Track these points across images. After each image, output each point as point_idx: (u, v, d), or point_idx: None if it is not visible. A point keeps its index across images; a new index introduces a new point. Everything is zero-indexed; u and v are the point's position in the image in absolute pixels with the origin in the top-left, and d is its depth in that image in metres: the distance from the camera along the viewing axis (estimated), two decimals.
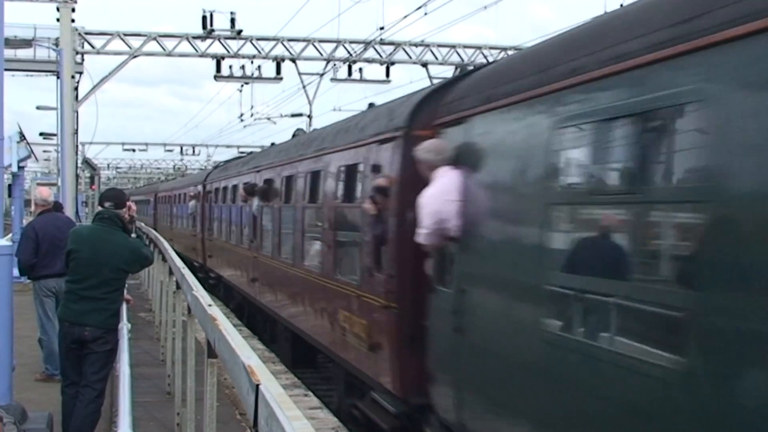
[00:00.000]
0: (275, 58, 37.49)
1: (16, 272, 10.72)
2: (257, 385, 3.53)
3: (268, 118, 56.54)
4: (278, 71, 37.90)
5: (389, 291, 9.06)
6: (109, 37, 35.39)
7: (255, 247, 18.44)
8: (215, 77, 37.61)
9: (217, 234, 25.50)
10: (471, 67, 12.27)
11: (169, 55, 36.34)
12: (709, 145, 4.39)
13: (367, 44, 38.16)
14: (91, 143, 64.53)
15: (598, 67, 5.45)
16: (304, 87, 40.77)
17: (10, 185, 24.59)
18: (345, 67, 38.98)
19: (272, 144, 25.80)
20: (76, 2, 33.13)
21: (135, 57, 35.60)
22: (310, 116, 45.71)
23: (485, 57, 39.93)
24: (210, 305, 6.33)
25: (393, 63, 39.01)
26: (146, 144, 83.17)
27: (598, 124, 5.51)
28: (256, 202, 18.24)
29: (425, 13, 29.76)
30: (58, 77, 31.32)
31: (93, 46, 35.24)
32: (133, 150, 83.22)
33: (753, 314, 4.02)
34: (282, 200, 15.91)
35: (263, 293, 17.47)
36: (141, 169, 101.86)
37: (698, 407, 4.34)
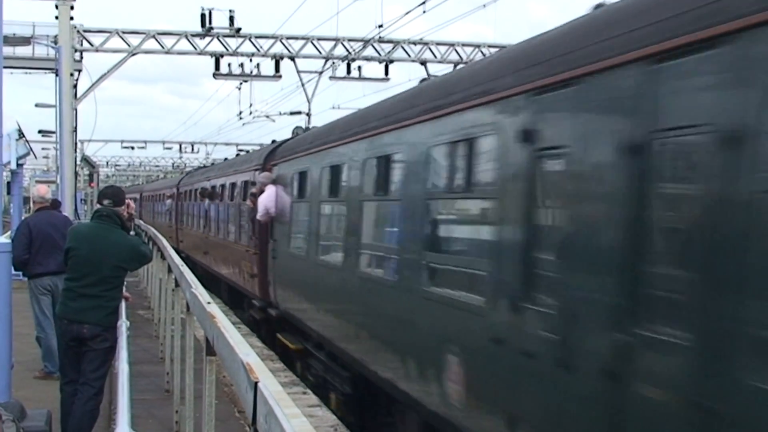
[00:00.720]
0: (274, 56, 37.47)
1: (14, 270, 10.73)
2: (256, 383, 3.53)
3: (267, 116, 56.53)
4: (277, 69, 37.87)
5: (255, 245, 18.16)
6: (107, 34, 35.35)
7: (206, 231, 27.75)
8: (214, 75, 37.59)
9: (186, 224, 34.28)
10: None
11: (168, 52, 36.31)
12: (495, 159, 7.00)
13: (366, 42, 38.15)
14: (90, 141, 64.65)
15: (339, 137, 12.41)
16: (303, 85, 40.75)
17: (8, 183, 24.62)
18: (344, 66, 38.96)
19: (225, 159, 35.32)
20: (74, 0, 33.11)
21: (134, 55, 35.58)
22: (309, 114, 45.67)
23: (483, 55, 39.95)
24: (209, 303, 6.34)
25: (392, 61, 39.00)
26: (145, 142, 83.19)
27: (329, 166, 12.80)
28: (207, 201, 27.47)
29: (424, 11, 29.74)
30: (56, 75, 31.28)
31: (92, 44, 35.21)
32: (132, 147, 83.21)
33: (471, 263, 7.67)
34: (217, 199, 25.65)
35: (210, 261, 26.20)
36: (140, 167, 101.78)
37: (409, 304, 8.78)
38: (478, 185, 7.51)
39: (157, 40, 35.82)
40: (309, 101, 43.24)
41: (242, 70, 38.12)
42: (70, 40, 32.26)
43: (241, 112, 51.84)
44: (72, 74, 32.72)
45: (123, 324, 8.43)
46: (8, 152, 20.61)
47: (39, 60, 35.06)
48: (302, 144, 15.38)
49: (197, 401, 7.32)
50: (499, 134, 6.87)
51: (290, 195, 15.20)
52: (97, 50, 35.33)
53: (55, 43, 31.93)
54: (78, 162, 44.12)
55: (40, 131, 49.97)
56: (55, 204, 13.52)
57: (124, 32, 35.42)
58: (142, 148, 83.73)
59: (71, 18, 32.54)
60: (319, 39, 38.06)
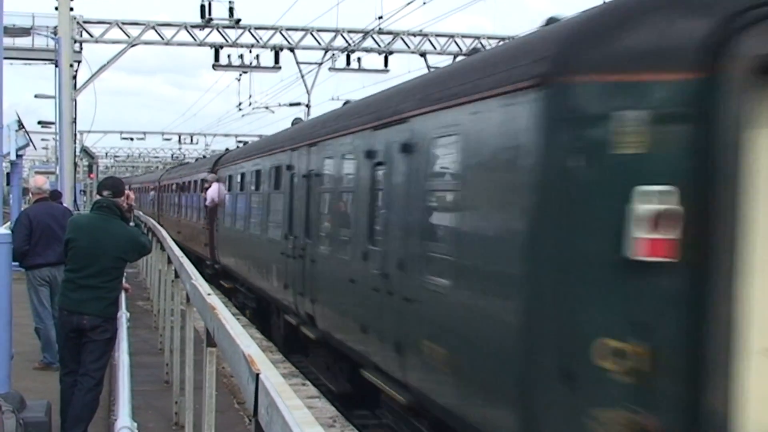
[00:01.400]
0: (274, 48, 37.42)
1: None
2: (257, 374, 3.53)
3: (267, 108, 56.50)
4: (276, 60, 37.82)
5: (206, 224, 25.43)
6: (107, 25, 35.31)
7: (179, 215, 35.07)
8: (214, 66, 37.55)
9: (166, 212, 40.80)
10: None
11: (168, 44, 36.27)
12: (354, 167, 11.06)
13: (365, 34, 38.10)
14: (89, 132, 64.53)
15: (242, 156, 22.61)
16: (302, 76, 40.75)
17: (8, 174, 24.61)
18: (343, 57, 38.93)
19: (203, 156, 47.84)
20: None
21: (133, 46, 35.54)
22: (308, 105, 45.69)
23: (483, 46, 39.91)
24: (209, 294, 6.33)
25: (391, 52, 38.96)
26: (144, 133, 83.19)
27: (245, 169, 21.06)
28: (179, 193, 34.79)
29: (424, 2, 29.70)
30: (56, 66, 31.24)
31: (91, 35, 35.17)
32: (131, 139, 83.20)
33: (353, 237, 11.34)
34: (186, 192, 33.15)
35: (182, 238, 29.65)
36: (139, 158, 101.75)
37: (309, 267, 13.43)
38: (343, 183, 11.96)
39: (156, 31, 35.77)
40: (308, 92, 43.26)
41: (242, 61, 38.08)
42: (69, 31, 32.20)
43: (240, 104, 51.85)
44: (71, 65, 32.66)
45: (123, 315, 8.42)
46: (8, 143, 20.60)
47: (38, 51, 35.03)
48: (231, 157, 25.11)
49: (197, 392, 7.32)
50: (356, 153, 11.09)
51: (226, 189, 23.46)
52: (96, 41, 35.30)
53: (55, 34, 31.88)
54: (77, 153, 44.08)
55: (39, 122, 49.93)
56: (55, 195, 13.51)
57: (123, 23, 35.37)
58: (141, 139, 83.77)
59: (71, 9, 32.46)
60: (318, 30, 38.00)
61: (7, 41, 30.62)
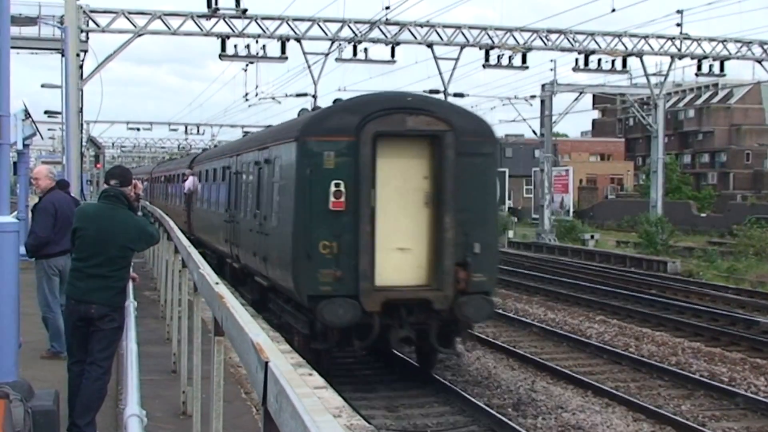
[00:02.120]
0: (280, 38, 37.41)
1: (21, 250, 10.72)
2: (266, 363, 3.53)
3: (273, 98, 56.48)
4: (283, 51, 37.81)
5: (185, 207, 33.02)
6: (114, 15, 35.34)
7: (166, 202, 41.66)
8: (220, 56, 37.54)
9: (156, 198, 47.22)
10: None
11: (174, 33, 36.28)
12: (253, 181, 20.08)
13: (372, 24, 38.05)
14: (95, 122, 64.57)
15: (221, 153, 28.84)
16: (309, 67, 40.68)
17: (15, 163, 24.61)
18: (350, 47, 38.91)
19: (202, 150, 53.61)
20: None
21: (140, 35, 35.54)
22: (315, 96, 45.56)
23: (490, 38, 39.84)
24: (217, 283, 6.32)
25: (398, 43, 38.94)
26: (151, 123, 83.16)
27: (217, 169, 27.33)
28: (167, 183, 42.55)
29: None
30: (63, 55, 31.23)
31: (98, 24, 35.19)
32: (138, 129, 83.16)
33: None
34: (172, 182, 41.10)
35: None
36: (145, 148, 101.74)
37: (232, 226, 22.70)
38: (246, 178, 20.76)
39: (163, 20, 35.78)
40: (315, 83, 43.14)
41: (248, 51, 38.07)
42: (76, 21, 32.18)
43: (247, 94, 51.95)
44: (78, 55, 32.65)
45: (130, 304, 8.42)
46: (14, 132, 20.59)
47: (45, 40, 34.99)
48: (202, 158, 33.90)
49: (204, 382, 7.32)
50: (251, 162, 20.24)
51: (199, 181, 31.02)
52: (103, 31, 35.31)
53: (62, 23, 31.85)
54: (84, 143, 44.11)
55: (46, 112, 49.91)
56: (63, 185, 13.52)
57: (130, 13, 35.38)
58: (148, 129, 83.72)
59: None
60: (325, 21, 37.97)
61: (14, 31, 30.58)
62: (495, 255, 16.51)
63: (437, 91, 43.89)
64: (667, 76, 47.59)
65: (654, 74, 47.71)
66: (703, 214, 69.53)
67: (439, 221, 14.65)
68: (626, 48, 41.70)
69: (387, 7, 36.73)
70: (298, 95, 52.11)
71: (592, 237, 51.34)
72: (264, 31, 37.10)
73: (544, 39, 40.41)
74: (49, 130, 58.23)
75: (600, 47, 41.22)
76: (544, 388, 15.71)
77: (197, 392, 7.92)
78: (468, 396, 14.88)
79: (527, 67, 41.35)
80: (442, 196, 14.64)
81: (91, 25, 35.02)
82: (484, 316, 15.47)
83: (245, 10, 35.89)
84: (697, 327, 22.27)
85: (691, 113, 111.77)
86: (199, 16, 35.95)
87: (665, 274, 35.42)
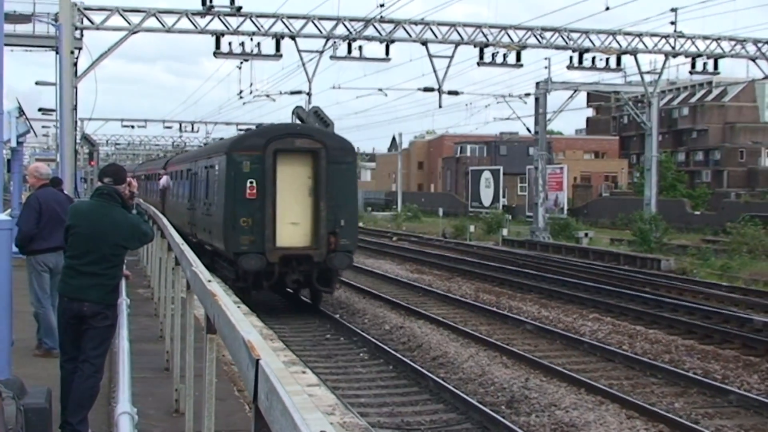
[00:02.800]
0: (275, 35, 37.36)
1: (15, 248, 10.72)
2: (257, 360, 3.53)
3: (268, 96, 56.39)
4: (278, 48, 37.75)
5: (161, 200, 40.10)
6: (108, 12, 35.25)
7: (147, 197, 45.35)
8: (215, 54, 37.48)
9: (138, 195, 57.71)
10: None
11: (169, 31, 36.23)
12: (204, 180, 28.34)
13: (367, 22, 38.03)
14: (90, 119, 64.45)
15: (189, 159, 36.32)
16: (303, 64, 40.63)
17: (9, 160, 24.59)
18: (345, 45, 38.84)
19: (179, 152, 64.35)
20: None
21: (134, 33, 35.49)
22: (309, 94, 45.48)
23: (485, 36, 39.83)
24: (209, 281, 6.33)
25: (393, 41, 38.90)
26: (145, 120, 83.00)
27: (186, 171, 34.63)
28: (147, 181, 47.65)
29: None
30: (57, 53, 31.20)
31: (92, 22, 35.13)
32: (132, 126, 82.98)
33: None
34: (152, 180, 48.96)
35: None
36: (140, 146, 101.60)
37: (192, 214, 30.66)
38: (200, 178, 28.82)
39: (157, 18, 35.71)
40: (310, 81, 43.07)
41: (243, 49, 37.98)
42: (70, 18, 32.18)
43: (241, 92, 51.78)
44: (72, 52, 32.64)
45: (123, 302, 8.42)
46: (8, 130, 20.58)
47: (39, 38, 34.87)
48: (172, 161, 42.26)
49: (197, 379, 7.33)
50: (203, 166, 28.43)
51: (171, 180, 37.74)
52: (97, 28, 35.26)
53: (56, 20, 31.83)
54: (78, 140, 44.09)
55: (40, 109, 49.86)
56: (56, 182, 13.52)
57: (124, 10, 35.31)
58: (142, 127, 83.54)
59: None
60: (320, 18, 37.93)
61: (8, 28, 30.53)
62: (354, 227, 24.28)
63: (432, 89, 43.94)
64: (661, 74, 47.66)
65: (648, 72, 47.78)
66: (697, 212, 69.58)
67: (317, 205, 22.96)
68: (620, 46, 41.71)
69: (381, 5, 36.72)
70: (292, 93, 52.08)
71: (586, 235, 51.37)
72: (259, 29, 37.05)
73: (538, 37, 40.42)
74: (43, 127, 58.31)
75: (594, 45, 41.23)
76: (537, 386, 15.73)
77: (190, 390, 7.92)
78: (461, 393, 14.91)
79: (522, 65, 41.33)
80: (319, 190, 22.95)
81: (86, 22, 34.95)
82: (346, 266, 24.30)
83: (240, 8, 35.85)
84: (690, 325, 22.31)
85: (686, 111, 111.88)
86: (193, 14, 35.90)
87: (659, 272, 35.48)
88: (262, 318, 18.34)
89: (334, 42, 38.68)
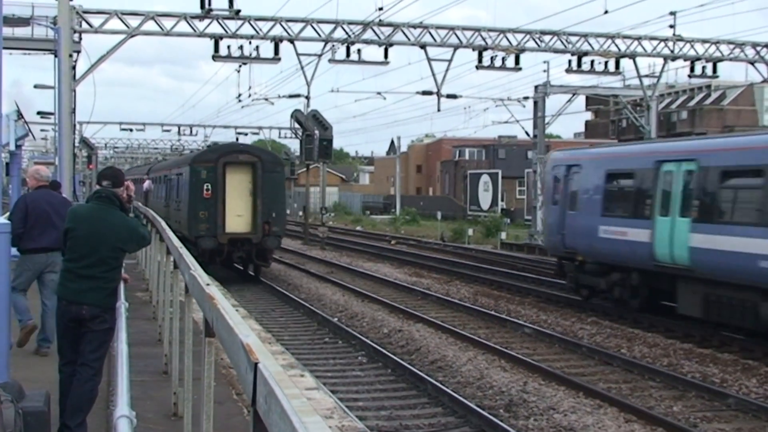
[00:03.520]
0: (273, 39, 37.39)
1: (14, 251, 10.73)
2: (256, 364, 3.53)
3: (266, 99, 56.49)
4: (276, 52, 37.79)
5: (145, 201, 38.31)
6: (107, 15, 35.29)
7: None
8: (213, 57, 37.52)
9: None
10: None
11: (167, 34, 36.25)
12: (175, 184, 37.60)
13: (365, 25, 38.06)
14: (88, 122, 64.50)
15: (166, 167, 46.74)
16: (302, 68, 40.72)
17: (7, 164, 24.61)
18: (343, 48, 38.90)
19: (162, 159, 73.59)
20: None
21: (132, 36, 35.51)
22: (308, 97, 45.59)
23: (483, 39, 39.86)
24: (208, 284, 6.33)
25: (391, 44, 38.94)
26: (144, 124, 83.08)
27: (170, 175, 41.87)
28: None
29: None
30: (55, 56, 31.20)
31: (91, 25, 35.15)
32: (131, 130, 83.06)
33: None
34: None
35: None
36: (138, 149, 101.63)
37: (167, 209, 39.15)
38: (174, 182, 37.75)
39: (156, 21, 35.74)
40: (308, 84, 43.21)
41: (242, 52, 38.04)
42: (69, 21, 32.18)
43: (240, 95, 51.88)
44: (71, 55, 32.64)
45: (122, 305, 8.41)
46: (7, 133, 20.59)
47: (38, 41, 34.91)
48: (154, 168, 53.02)
49: (195, 383, 7.32)
50: (176, 173, 37.23)
51: (152, 183, 42.33)
52: (96, 31, 35.27)
53: (55, 24, 31.83)
54: (76, 144, 44.11)
55: (38, 112, 49.85)
56: (55, 185, 13.52)
57: (123, 13, 35.34)
58: (141, 130, 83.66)
59: None
60: (318, 22, 37.96)
61: (7, 31, 30.55)
62: (283, 218, 33.75)
63: (430, 93, 43.97)
64: (660, 77, 47.66)
65: (647, 76, 47.77)
66: None
67: (255, 202, 31.20)
68: (619, 49, 41.75)
69: (380, 8, 36.78)
70: (291, 96, 52.22)
71: None
72: (257, 32, 37.09)
73: (537, 40, 40.45)
74: (41, 130, 58.28)
75: (593, 49, 41.27)
76: (536, 389, 15.73)
77: (188, 393, 7.92)
78: (460, 397, 14.90)
79: (520, 69, 41.38)
80: (256, 191, 31.21)
81: (84, 25, 34.98)
82: (276, 246, 32.56)
83: (238, 11, 35.88)
84: (689, 328, 22.31)
85: (684, 115, 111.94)
86: (192, 17, 35.93)
87: None
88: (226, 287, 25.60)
89: (333, 45, 38.73)
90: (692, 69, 43.32)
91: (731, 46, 42.80)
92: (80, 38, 34.95)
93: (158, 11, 36.32)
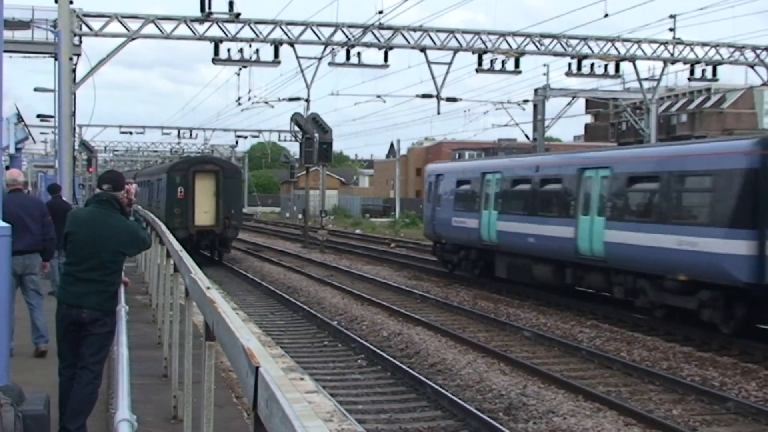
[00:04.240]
0: (273, 42, 37.43)
1: None
2: (257, 368, 3.54)
3: (266, 102, 56.51)
4: (276, 55, 37.83)
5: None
6: (107, 19, 35.32)
7: None
8: (213, 60, 37.55)
9: None
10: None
11: (167, 38, 36.29)
12: (156, 187, 45.35)
13: (365, 29, 38.10)
14: (88, 126, 64.62)
15: (149, 174, 54.29)
16: (302, 71, 40.73)
17: (7, 167, 24.59)
18: (343, 52, 38.95)
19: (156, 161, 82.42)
20: None
21: (133, 39, 35.53)
22: (307, 100, 45.59)
23: (483, 42, 39.90)
24: (208, 288, 6.33)
25: (391, 48, 38.98)
26: (143, 127, 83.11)
27: (152, 180, 48.59)
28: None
29: None
30: (56, 59, 31.22)
31: (91, 28, 35.17)
32: (131, 133, 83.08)
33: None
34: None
35: None
36: (138, 152, 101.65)
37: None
38: (156, 185, 44.82)
39: (156, 25, 35.78)
40: (308, 87, 43.23)
41: (241, 55, 38.08)
42: (69, 25, 32.19)
43: (240, 98, 51.91)
44: (71, 59, 32.66)
45: (122, 308, 8.42)
46: (7, 136, 20.61)
47: (38, 44, 34.92)
48: (139, 174, 60.68)
49: (195, 386, 7.33)
50: (159, 179, 43.46)
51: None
52: (96, 35, 35.29)
53: (55, 27, 31.86)
54: (76, 147, 44.10)
55: (38, 116, 49.90)
56: (54, 189, 13.55)
57: (123, 17, 35.38)
58: (141, 133, 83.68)
59: (70, 2, 32.46)
60: (318, 25, 38.00)
61: (7, 34, 30.56)
62: (240, 214, 42.58)
63: (430, 96, 43.98)
64: (659, 80, 47.68)
65: (647, 79, 47.81)
66: None
67: (218, 202, 38.56)
68: (619, 53, 41.78)
69: (380, 12, 36.85)
70: (291, 99, 52.16)
71: None
72: (257, 35, 37.12)
73: (537, 43, 40.48)
74: (41, 133, 58.39)
75: (593, 52, 41.30)
76: (535, 393, 15.72)
77: (188, 397, 7.92)
78: (459, 400, 14.90)
79: (520, 72, 41.40)
80: (219, 193, 38.65)
81: (84, 29, 34.99)
82: (234, 237, 40.69)
83: (238, 14, 35.92)
84: (688, 331, 22.31)
85: (684, 118, 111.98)
86: (192, 20, 35.95)
87: None
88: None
89: (333, 48, 38.77)
90: (692, 72, 43.36)
91: (731, 50, 42.85)
92: (80, 41, 34.96)
93: (158, 14, 36.37)
